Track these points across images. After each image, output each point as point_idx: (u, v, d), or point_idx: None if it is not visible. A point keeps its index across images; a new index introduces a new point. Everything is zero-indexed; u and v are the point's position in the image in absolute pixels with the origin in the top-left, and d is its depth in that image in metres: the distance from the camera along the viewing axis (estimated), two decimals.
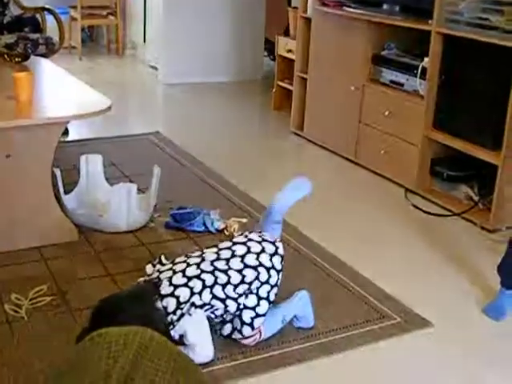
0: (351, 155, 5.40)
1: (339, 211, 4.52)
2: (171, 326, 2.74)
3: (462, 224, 4.37)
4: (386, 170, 5.06)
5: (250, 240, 3.02)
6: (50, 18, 6.41)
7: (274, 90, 6.92)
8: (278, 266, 2.97)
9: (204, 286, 2.82)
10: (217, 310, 2.86)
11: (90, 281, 3.43)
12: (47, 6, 6.55)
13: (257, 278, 2.91)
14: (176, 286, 2.80)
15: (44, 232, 3.73)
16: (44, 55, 5.61)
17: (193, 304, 2.79)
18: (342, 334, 3.10)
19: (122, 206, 3.89)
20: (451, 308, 3.41)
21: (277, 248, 3.01)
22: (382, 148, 5.05)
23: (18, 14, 6.37)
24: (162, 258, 3.14)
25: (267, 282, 2.92)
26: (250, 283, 2.89)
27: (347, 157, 5.44)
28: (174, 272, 2.87)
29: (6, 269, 3.50)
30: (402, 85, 4.89)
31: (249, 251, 2.96)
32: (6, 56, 4.99)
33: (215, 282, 2.85)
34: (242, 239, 3.05)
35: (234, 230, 3.97)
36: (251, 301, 2.89)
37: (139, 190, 4.11)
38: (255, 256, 2.95)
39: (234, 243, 3.03)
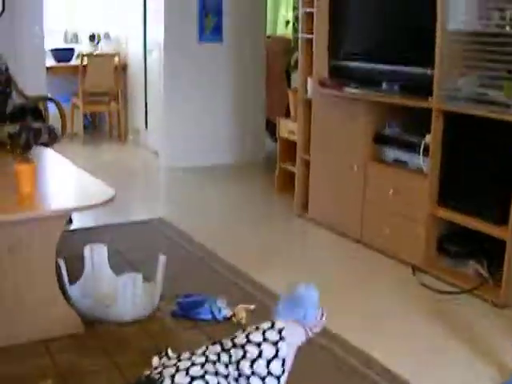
0: (356, 235, 5.35)
1: (347, 294, 4.44)
2: None
3: (473, 301, 4.30)
4: (392, 249, 5.00)
5: (248, 342, 2.82)
6: (52, 106, 6.45)
7: (276, 173, 6.90)
8: (277, 372, 2.77)
9: None
10: None
11: (97, 374, 3.35)
12: (49, 96, 6.62)
13: None
14: None
15: (49, 324, 3.67)
16: (47, 144, 5.62)
17: None
18: None
19: (127, 297, 3.84)
20: None
21: (277, 350, 2.79)
22: (387, 226, 5.01)
23: (20, 104, 6.41)
24: (169, 351, 3.06)
25: None
26: None
27: (352, 237, 5.40)
28: (178, 370, 2.77)
29: (10, 364, 3.42)
30: (406, 163, 4.89)
31: (244, 356, 2.79)
32: (8, 146, 5.00)
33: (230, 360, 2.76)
34: (241, 340, 2.86)
35: (242, 318, 3.90)
36: None
37: (145, 279, 4.06)
38: (249, 363, 2.77)
39: (234, 344, 2.86)
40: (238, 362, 2.77)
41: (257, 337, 2.83)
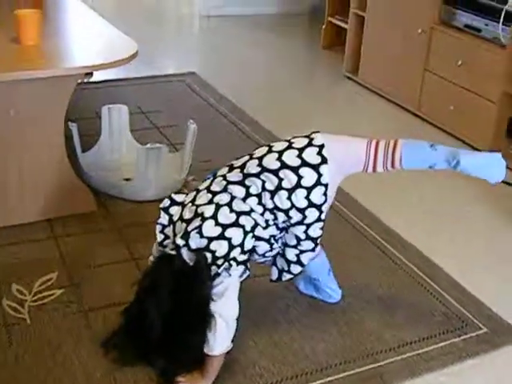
0: (413, 107, 4.73)
1: (401, 179, 3.83)
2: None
3: None
4: (454, 129, 4.39)
5: (284, 166, 2.30)
6: None
7: (323, 27, 6.19)
8: (319, 200, 2.31)
9: (248, 195, 2.27)
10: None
11: (109, 268, 2.82)
12: None
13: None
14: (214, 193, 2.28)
15: (55, 201, 3.13)
16: None
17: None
18: (416, 349, 2.50)
19: (149, 170, 3.27)
20: None
21: (319, 176, 2.30)
22: (451, 103, 4.37)
23: None
24: (173, 195, 2.41)
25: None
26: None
27: (408, 109, 4.78)
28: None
29: (7, 249, 2.91)
30: (480, 30, 4.18)
31: (280, 186, 2.27)
32: None
33: (263, 189, 2.27)
34: (273, 163, 2.32)
35: None
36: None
37: (171, 146, 3.53)
38: (287, 195, 2.27)
39: (264, 168, 2.31)
40: (272, 193, 2.27)
41: (292, 159, 2.30)
